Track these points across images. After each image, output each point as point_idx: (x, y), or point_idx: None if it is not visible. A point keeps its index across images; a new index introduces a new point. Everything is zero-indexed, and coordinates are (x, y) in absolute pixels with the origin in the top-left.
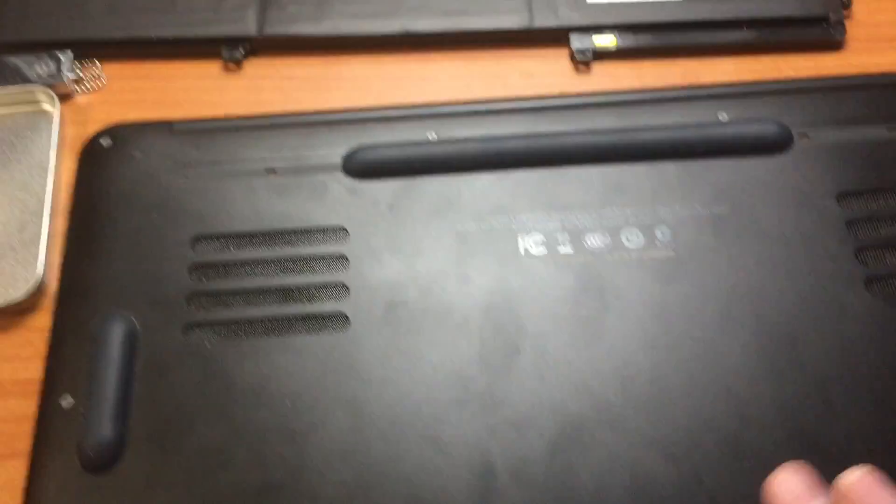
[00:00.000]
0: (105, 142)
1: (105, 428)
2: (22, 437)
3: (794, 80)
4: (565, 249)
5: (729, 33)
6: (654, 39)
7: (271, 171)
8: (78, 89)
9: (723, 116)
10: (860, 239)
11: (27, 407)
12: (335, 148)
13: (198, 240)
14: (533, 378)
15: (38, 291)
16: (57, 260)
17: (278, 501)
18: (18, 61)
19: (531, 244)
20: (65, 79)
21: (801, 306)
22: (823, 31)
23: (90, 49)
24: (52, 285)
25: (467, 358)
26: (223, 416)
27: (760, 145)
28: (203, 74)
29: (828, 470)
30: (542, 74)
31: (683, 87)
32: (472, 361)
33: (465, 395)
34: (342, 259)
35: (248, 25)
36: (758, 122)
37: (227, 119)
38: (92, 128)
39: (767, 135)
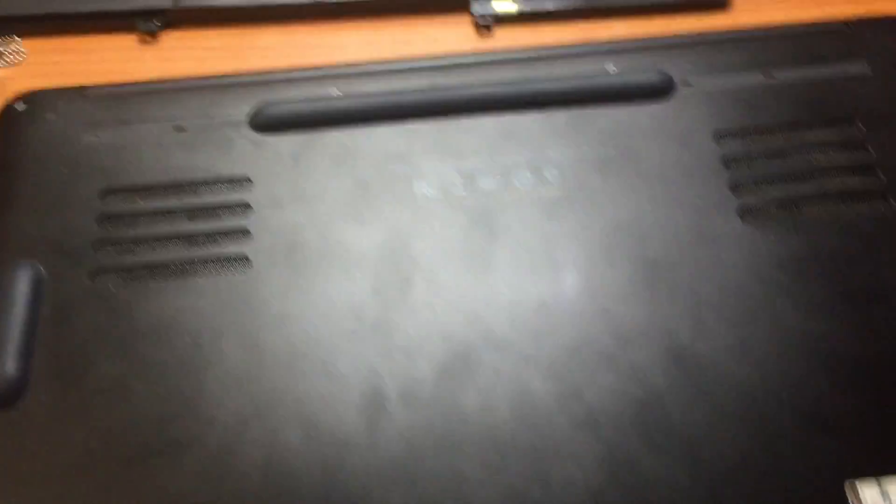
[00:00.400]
0: (20, 106)
1: (8, 366)
2: None
3: (678, 35)
4: (458, 191)
5: None
6: (552, 4)
7: (179, 128)
8: None
9: (611, 68)
10: (735, 174)
11: None
12: (242, 106)
13: (107, 192)
14: (424, 308)
15: None
16: None
17: (175, 429)
18: None
19: (426, 187)
20: None
21: (678, 236)
22: None
23: (10, 25)
24: None
25: (362, 292)
26: (125, 354)
27: (644, 93)
28: (120, 47)
29: (700, 381)
30: (446, 39)
31: (574, 44)
32: (366, 295)
33: (359, 326)
34: (245, 206)
35: None
36: (642, 71)
37: (137, 83)
38: None
39: (651, 83)
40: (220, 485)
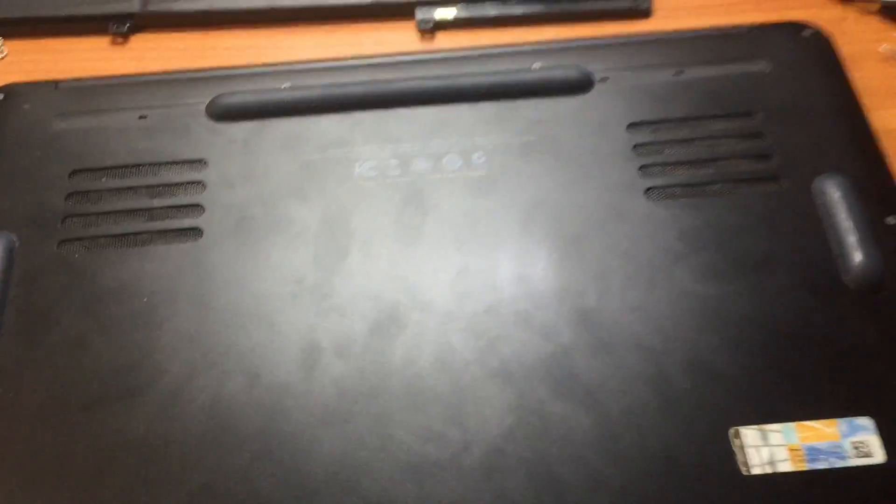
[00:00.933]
0: None
1: None
2: None
3: (598, 38)
4: (394, 172)
5: (553, 5)
6: (488, 11)
7: (142, 116)
8: None
9: (536, 66)
10: (644, 159)
11: None
12: (200, 97)
13: (75, 172)
14: (359, 274)
15: None
16: None
17: (131, 378)
18: None
19: (365, 169)
20: None
21: (589, 213)
22: (632, 2)
23: None
24: None
25: (303, 260)
26: (87, 313)
27: (565, 87)
28: (93, 47)
29: (603, 337)
30: (392, 43)
31: (504, 45)
32: (306, 263)
33: (299, 289)
34: (200, 185)
35: (132, 3)
36: (564, 68)
37: (105, 77)
38: None
39: (570, 78)
40: (170, 426)
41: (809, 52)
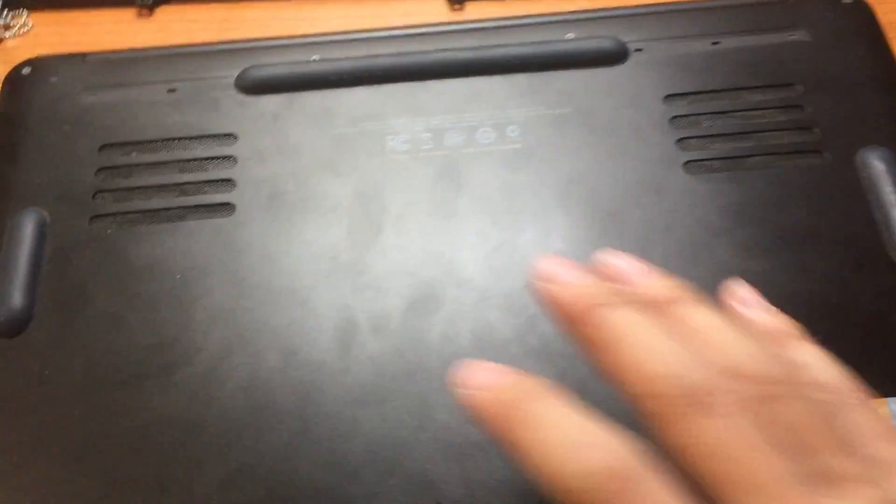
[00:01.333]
0: (26, 71)
1: (15, 299)
2: None
3: (634, 7)
4: (426, 146)
5: None
6: None
7: (171, 90)
8: (7, 35)
9: (569, 36)
10: (681, 132)
11: None
12: (229, 70)
13: (104, 147)
14: (393, 250)
15: None
16: None
17: (166, 356)
18: None
19: (397, 143)
20: None
21: (627, 186)
22: None
23: None
24: None
25: (336, 236)
26: (120, 290)
27: (600, 58)
28: (118, 20)
29: None
30: (420, 14)
31: (536, 15)
32: (340, 238)
33: (334, 266)
34: (231, 159)
35: None
36: (598, 38)
37: (133, 50)
38: None
39: (605, 49)
40: (206, 404)
41: (850, 20)
